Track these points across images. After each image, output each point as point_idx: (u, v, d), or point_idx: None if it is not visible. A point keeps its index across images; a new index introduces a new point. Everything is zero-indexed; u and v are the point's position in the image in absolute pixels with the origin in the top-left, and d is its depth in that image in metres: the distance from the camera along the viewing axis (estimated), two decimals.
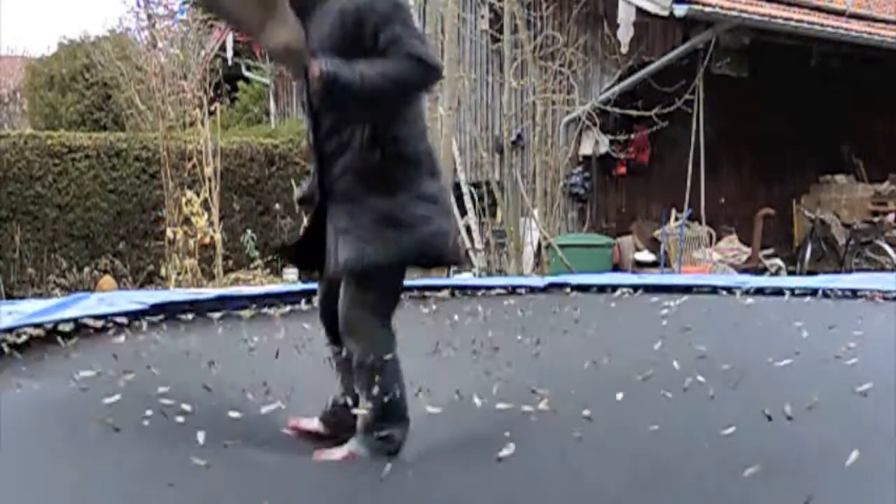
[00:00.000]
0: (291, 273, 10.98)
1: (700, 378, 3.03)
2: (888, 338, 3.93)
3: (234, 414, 3.04)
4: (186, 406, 2.97)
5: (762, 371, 3.22)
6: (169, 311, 4.66)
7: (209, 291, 5.45)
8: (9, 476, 2.23)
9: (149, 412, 2.84)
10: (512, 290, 5.79)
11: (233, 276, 10.01)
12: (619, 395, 2.88)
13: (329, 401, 3.17)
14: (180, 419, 2.83)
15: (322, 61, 2.75)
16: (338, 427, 3.08)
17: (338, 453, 2.89)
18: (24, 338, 3.76)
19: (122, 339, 4.09)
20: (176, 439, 2.67)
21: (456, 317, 4.74)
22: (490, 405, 2.99)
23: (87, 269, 10.31)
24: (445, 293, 5.68)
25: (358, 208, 2.87)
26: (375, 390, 2.85)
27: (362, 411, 2.89)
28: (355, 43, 2.80)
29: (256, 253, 10.48)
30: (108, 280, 10.15)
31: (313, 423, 3.17)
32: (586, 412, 2.74)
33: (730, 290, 5.62)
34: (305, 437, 3.11)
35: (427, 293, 5.55)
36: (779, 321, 4.41)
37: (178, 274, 8.95)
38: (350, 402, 3.02)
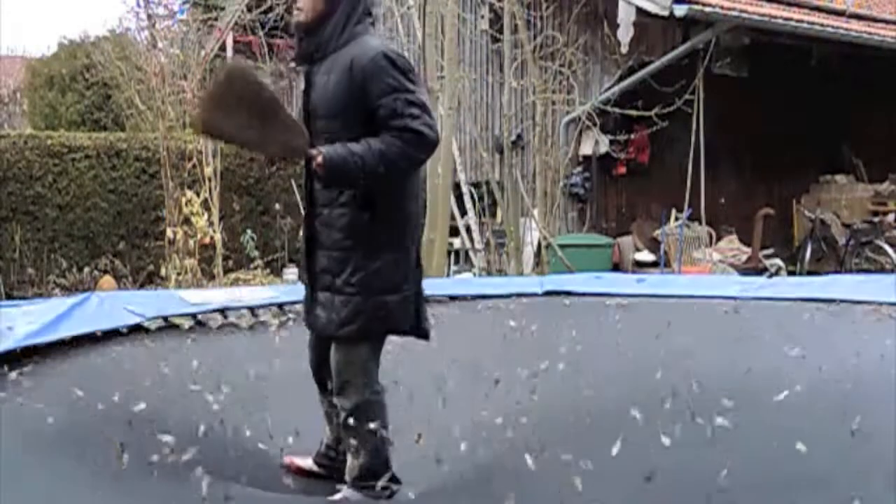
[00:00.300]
0: (291, 273, 10.99)
1: (699, 420, 2.97)
2: (887, 362, 3.88)
3: (234, 449, 3.06)
4: (188, 440, 2.97)
5: (761, 407, 3.18)
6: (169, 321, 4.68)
7: (209, 300, 5.40)
8: None
9: (153, 451, 2.83)
10: (510, 297, 5.78)
11: (233, 276, 9.99)
12: (619, 440, 2.79)
13: (322, 444, 3.25)
14: (183, 455, 2.83)
15: (324, 150, 2.77)
16: (330, 469, 3.17)
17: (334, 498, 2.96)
18: (28, 366, 3.74)
19: (123, 359, 4.08)
20: (178, 476, 2.66)
21: (453, 338, 4.65)
22: (489, 454, 2.95)
23: (87, 269, 10.30)
24: (443, 300, 5.66)
25: (339, 263, 2.92)
26: (362, 444, 2.92)
27: (350, 464, 2.96)
28: (358, 100, 2.83)
29: (256, 253, 10.47)
30: (108, 280, 10.14)
31: (307, 462, 3.25)
32: (585, 463, 2.65)
33: (728, 299, 5.58)
34: (300, 475, 3.17)
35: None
36: (778, 343, 4.36)
37: (178, 274, 8.95)
38: (340, 446, 3.10)
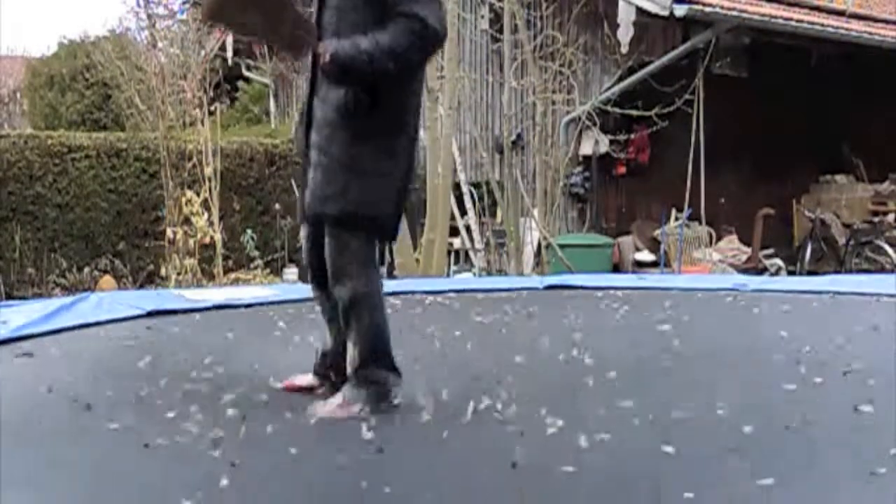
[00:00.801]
0: (292, 273, 10.99)
1: (703, 388, 2.93)
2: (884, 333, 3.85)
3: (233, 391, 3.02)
4: (193, 376, 2.96)
5: (767, 381, 3.14)
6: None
7: (208, 297, 5.41)
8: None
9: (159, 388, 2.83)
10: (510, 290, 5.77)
11: (233, 276, 10.00)
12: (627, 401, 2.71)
13: (318, 352, 3.19)
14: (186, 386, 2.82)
15: (331, 47, 2.76)
16: (330, 376, 3.10)
17: (331, 405, 2.90)
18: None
19: (127, 335, 4.09)
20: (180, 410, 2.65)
21: (453, 318, 4.66)
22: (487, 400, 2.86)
23: (87, 269, 10.31)
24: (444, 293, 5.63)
25: (328, 140, 2.89)
26: (362, 333, 2.87)
27: (350, 354, 2.89)
28: None
29: (256, 253, 10.48)
30: (108, 280, 10.15)
31: (307, 378, 3.19)
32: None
33: (731, 290, 5.57)
34: (301, 393, 3.11)
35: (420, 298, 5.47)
36: (779, 323, 4.34)
37: (178, 274, 8.96)
38: (339, 349, 3.03)
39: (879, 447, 2.21)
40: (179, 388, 2.93)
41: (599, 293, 5.65)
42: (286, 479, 1.96)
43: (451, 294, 5.57)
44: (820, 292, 5.50)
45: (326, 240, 2.94)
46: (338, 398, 2.91)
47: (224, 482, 1.76)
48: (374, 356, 2.89)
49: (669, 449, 2.17)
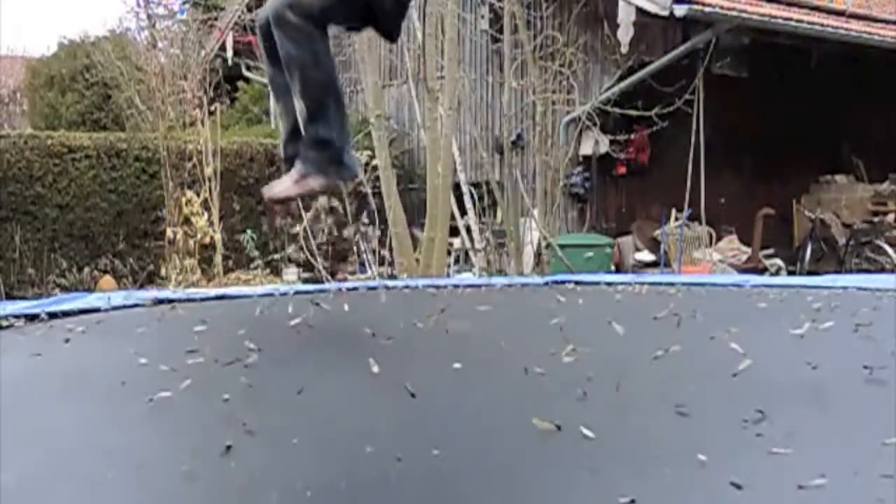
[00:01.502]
0: (291, 273, 10.99)
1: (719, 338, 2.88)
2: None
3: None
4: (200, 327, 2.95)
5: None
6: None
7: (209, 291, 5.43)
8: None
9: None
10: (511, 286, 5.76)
11: (233, 276, 10.01)
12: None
13: (280, 148, 3.10)
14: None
15: None
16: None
17: (286, 181, 2.83)
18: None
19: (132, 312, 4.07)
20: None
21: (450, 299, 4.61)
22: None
23: (87, 269, 10.32)
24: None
25: None
26: (307, 85, 2.76)
27: (299, 108, 2.79)
28: None
29: (256, 253, 10.48)
30: (108, 280, 10.16)
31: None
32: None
33: (733, 285, 5.57)
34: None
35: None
36: (786, 311, 4.32)
37: (178, 274, 8.96)
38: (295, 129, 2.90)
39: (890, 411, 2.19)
40: (182, 338, 2.87)
41: (603, 286, 5.65)
42: (292, 438, 1.89)
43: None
44: (823, 287, 5.50)
45: None
46: (292, 174, 2.81)
47: (228, 442, 1.71)
48: (322, 110, 2.76)
49: (682, 406, 2.13)
